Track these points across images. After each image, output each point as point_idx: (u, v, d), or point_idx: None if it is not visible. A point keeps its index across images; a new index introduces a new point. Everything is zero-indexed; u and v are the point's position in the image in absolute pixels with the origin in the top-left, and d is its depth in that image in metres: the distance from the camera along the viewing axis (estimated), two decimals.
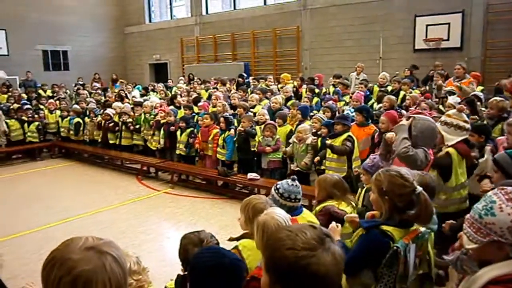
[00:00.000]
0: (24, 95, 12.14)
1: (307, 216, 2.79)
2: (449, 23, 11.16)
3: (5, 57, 16.08)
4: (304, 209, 2.88)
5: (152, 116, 8.48)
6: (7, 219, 5.94)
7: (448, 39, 11.24)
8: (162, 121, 8.00)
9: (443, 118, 4.10)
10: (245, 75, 12.88)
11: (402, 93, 8.13)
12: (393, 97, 6.90)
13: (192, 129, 7.55)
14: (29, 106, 10.38)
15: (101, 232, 5.43)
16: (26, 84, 14.34)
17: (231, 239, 2.58)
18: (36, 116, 10.13)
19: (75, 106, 10.37)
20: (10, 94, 11.79)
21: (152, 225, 5.71)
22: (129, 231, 5.45)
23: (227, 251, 1.91)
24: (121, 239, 5.03)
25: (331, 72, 11.05)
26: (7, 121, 9.64)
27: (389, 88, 8.64)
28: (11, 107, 10.35)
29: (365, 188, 3.78)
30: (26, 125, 9.83)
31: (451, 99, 6.00)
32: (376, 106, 7.58)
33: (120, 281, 1.09)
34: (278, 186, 2.79)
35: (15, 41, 16.39)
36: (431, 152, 3.69)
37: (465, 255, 1.74)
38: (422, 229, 2.31)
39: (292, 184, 2.77)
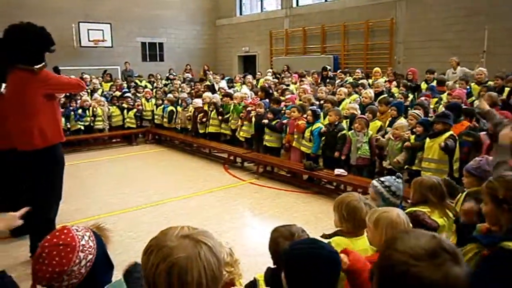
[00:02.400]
0: (124, 84, 13.12)
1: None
2: None
3: (109, 48, 17.43)
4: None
5: (241, 107, 8.63)
6: (105, 198, 6.41)
7: None
8: (252, 113, 8.10)
9: None
10: (329, 67, 12.58)
11: (507, 89, 7.40)
12: (494, 94, 6.35)
13: (278, 121, 7.54)
14: (129, 94, 11.18)
15: (188, 217, 5.64)
16: (125, 74, 15.48)
17: (324, 236, 2.51)
18: (135, 103, 10.85)
19: (169, 95, 10.94)
20: (112, 83, 12.87)
21: (236, 214, 5.82)
22: (215, 218, 5.59)
23: (324, 242, 1.85)
24: (207, 226, 5.13)
25: (426, 66, 10.35)
26: (109, 107, 10.49)
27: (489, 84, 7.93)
28: (113, 94, 11.27)
29: (466, 192, 3.48)
30: (125, 111, 10.59)
31: None
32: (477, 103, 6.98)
33: (215, 271, 1.09)
34: (383, 180, 2.75)
35: (118, 34, 17.67)
36: None
37: None
38: None
39: (397, 181, 2.69)
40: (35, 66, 3.96)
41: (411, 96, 8.25)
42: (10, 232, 4.94)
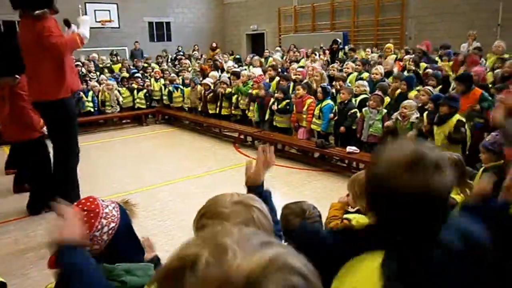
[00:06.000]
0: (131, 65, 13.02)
1: None
2: None
3: (116, 29, 17.34)
4: None
5: (248, 86, 8.55)
6: (118, 178, 6.48)
7: None
8: (253, 94, 8.05)
9: None
10: (339, 40, 12.39)
11: None
12: None
13: (288, 101, 7.43)
14: (138, 75, 11.10)
15: (201, 195, 5.64)
16: (134, 54, 15.41)
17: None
18: (145, 84, 10.81)
19: (172, 75, 10.85)
20: (121, 64, 12.78)
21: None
22: None
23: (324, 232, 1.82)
24: None
25: (439, 42, 10.16)
26: (119, 89, 10.44)
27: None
28: (122, 75, 11.23)
29: (483, 168, 3.46)
30: (135, 92, 10.55)
31: None
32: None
33: (269, 232, 1.13)
34: None
35: (125, 14, 17.54)
36: None
37: None
38: None
39: None
40: (35, 12, 3.91)
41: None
42: (28, 211, 5.05)
